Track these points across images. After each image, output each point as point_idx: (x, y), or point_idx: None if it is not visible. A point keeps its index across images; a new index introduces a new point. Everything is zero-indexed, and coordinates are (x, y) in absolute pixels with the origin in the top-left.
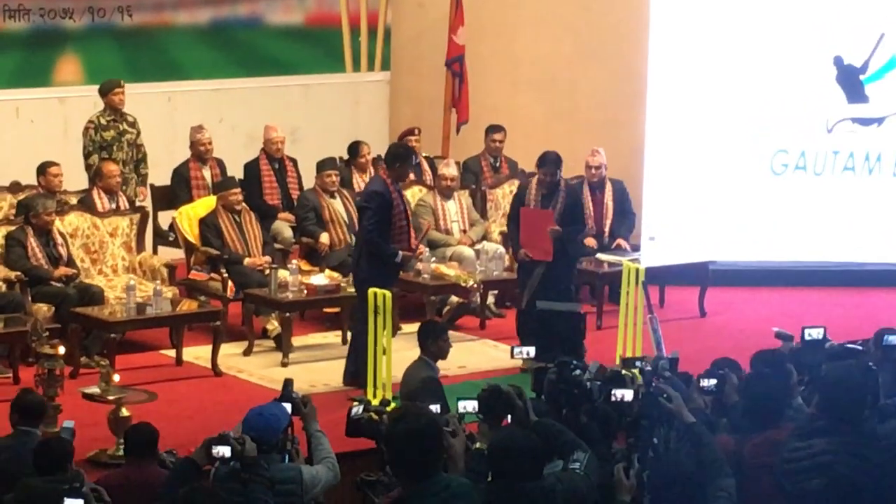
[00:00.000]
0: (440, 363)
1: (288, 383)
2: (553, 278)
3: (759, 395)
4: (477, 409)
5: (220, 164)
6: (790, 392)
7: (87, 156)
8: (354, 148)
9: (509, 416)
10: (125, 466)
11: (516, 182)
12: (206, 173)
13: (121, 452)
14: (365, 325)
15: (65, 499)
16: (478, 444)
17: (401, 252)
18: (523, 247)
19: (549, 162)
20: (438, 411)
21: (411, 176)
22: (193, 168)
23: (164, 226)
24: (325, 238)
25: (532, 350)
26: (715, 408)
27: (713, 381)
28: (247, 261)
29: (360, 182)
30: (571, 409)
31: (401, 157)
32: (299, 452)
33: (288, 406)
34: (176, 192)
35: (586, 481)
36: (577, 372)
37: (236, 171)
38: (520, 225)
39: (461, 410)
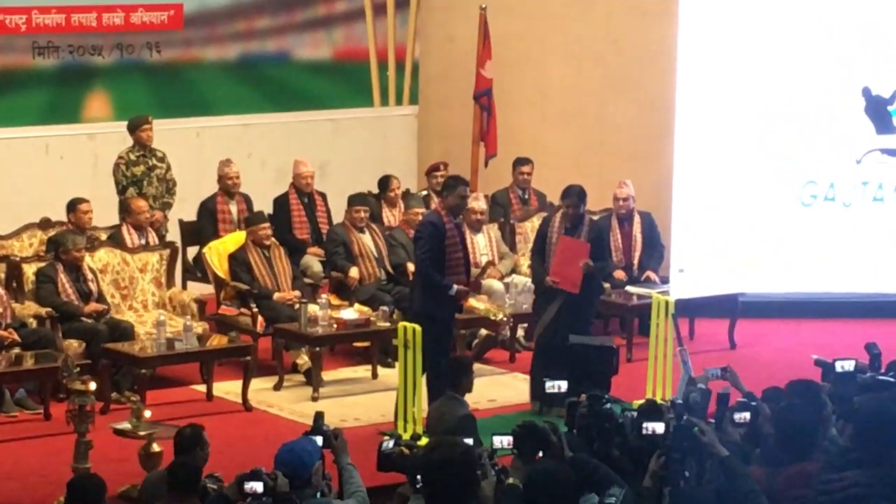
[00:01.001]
0: (468, 397)
1: (319, 416)
2: (572, 312)
3: (792, 425)
4: (512, 444)
5: (247, 199)
6: (824, 423)
7: (121, 191)
8: (384, 182)
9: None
10: (165, 501)
11: (545, 215)
12: (233, 208)
13: None
14: (432, 356)
15: None
16: (511, 480)
17: (455, 286)
18: (552, 275)
19: (573, 194)
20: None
21: (473, 206)
22: (220, 202)
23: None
24: (354, 272)
25: (563, 384)
26: (748, 439)
27: (746, 414)
28: (276, 295)
29: (389, 216)
30: (603, 442)
31: (449, 188)
32: (331, 487)
33: (319, 439)
34: (202, 227)
35: None
36: (608, 406)
37: (265, 206)
38: (554, 252)
39: (496, 445)
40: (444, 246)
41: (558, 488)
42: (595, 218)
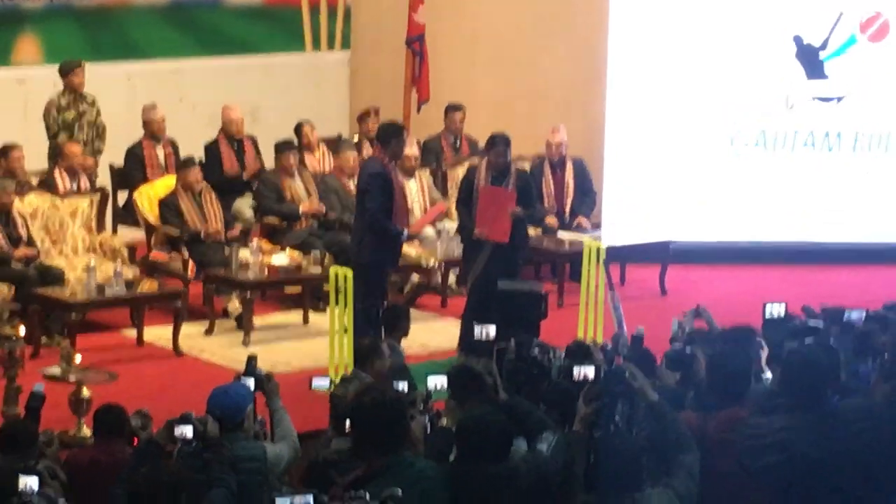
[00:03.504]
0: (403, 342)
1: (252, 359)
2: (501, 260)
3: (723, 371)
4: (446, 385)
5: (173, 144)
6: (757, 369)
7: (53, 136)
8: (297, 130)
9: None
10: (93, 446)
11: (476, 161)
12: (160, 152)
13: (83, 433)
14: (366, 303)
15: (19, 476)
16: (444, 421)
17: (406, 230)
18: (479, 227)
19: (498, 143)
20: (405, 390)
21: (406, 151)
22: (147, 147)
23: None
24: (306, 205)
25: (492, 329)
26: (683, 384)
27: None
28: (204, 232)
29: (311, 162)
30: (531, 388)
31: (395, 134)
32: (265, 432)
33: (251, 382)
34: (130, 172)
35: (552, 463)
36: (536, 351)
37: (198, 150)
38: (478, 203)
39: (430, 387)
40: (392, 194)
41: (490, 433)
42: (523, 165)
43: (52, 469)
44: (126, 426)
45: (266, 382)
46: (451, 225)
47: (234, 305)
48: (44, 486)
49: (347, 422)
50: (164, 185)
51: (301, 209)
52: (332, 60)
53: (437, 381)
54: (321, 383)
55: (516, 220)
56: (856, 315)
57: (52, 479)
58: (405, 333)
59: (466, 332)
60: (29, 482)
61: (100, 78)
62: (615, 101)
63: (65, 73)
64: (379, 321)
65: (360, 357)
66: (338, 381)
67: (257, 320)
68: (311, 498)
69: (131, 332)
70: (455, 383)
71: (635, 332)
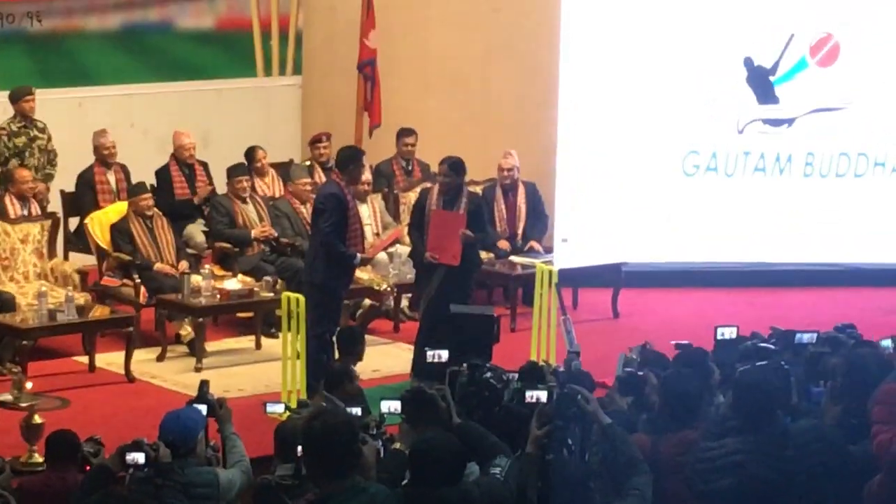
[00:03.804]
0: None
1: (204, 384)
2: (453, 284)
3: (677, 393)
4: (400, 409)
5: (125, 168)
6: (709, 391)
7: (3, 162)
8: (249, 154)
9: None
10: (45, 472)
11: (428, 185)
12: (111, 178)
13: (34, 459)
14: (319, 329)
15: None
16: (397, 445)
17: (359, 255)
18: (430, 250)
19: (449, 167)
20: (359, 414)
21: (366, 178)
22: (98, 173)
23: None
24: (256, 231)
25: (445, 353)
26: (635, 408)
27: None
28: (157, 266)
29: (262, 187)
30: (483, 411)
31: (353, 159)
32: (218, 458)
33: (203, 408)
34: (81, 198)
35: (506, 487)
36: (488, 374)
37: (148, 175)
38: (429, 227)
39: (384, 410)
40: (346, 218)
41: (444, 457)
42: (475, 189)
43: (4, 496)
44: (78, 452)
45: (218, 408)
46: (403, 249)
47: (186, 331)
48: None
49: (298, 448)
50: (115, 210)
51: (253, 234)
52: (284, 85)
53: (391, 406)
54: (275, 409)
55: (467, 244)
56: (807, 337)
57: None
58: (360, 357)
59: (419, 357)
60: None
61: (51, 104)
62: (566, 125)
63: (15, 99)
64: (331, 346)
65: (331, 380)
66: (291, 405)
67: (209, 346)
68: None
69: (83, 359)
70: (409, 407)
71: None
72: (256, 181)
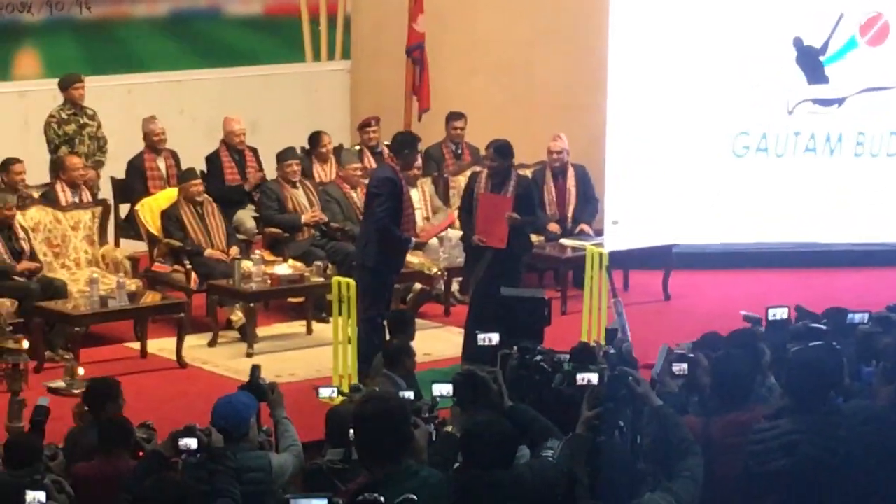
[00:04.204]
0: None
1: (255, 369)
2: (501, 267)
3: (727, 375)
4: (452, 393)
5: (175, 155)
6: (760, 372)
7: (53, 150)
8: (315, 138)
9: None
10: (97, 459)
11: (477, 169)
12: (161, 164)
13: None
14: (370, 313)
15: (26, 491)
16: (449, 428)
17: (413, 239)
18: (479, 233)
19: (495, 150)
20: (411, 398)
21: (418, 163)
22: (148, 159)
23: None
24: (307, 216)
25: (496, 336)
26: (687, 390)
27: (685, 366)
28: (207, 252)
29: (320, 173)
30: (535, 394)
31: (409, 144)
32: (271, 442)
33: (255, 393)
34: (132, 185)
35: (557, 470)
36: (539, 357)
37: (197, 161)
38: (477, 210)
39: (436, 394)
40: (401, 202)
41: (496, 439)
42: (524, 172)
43: (60, 483)
44: (130, 438)
45: (270, 393)
46: (454, 233)
47: (238, 316)
48: (51, 500)
49: (351, 431)
50: (165, 196)
51: (303, 219)
52: (333, 70)
53: (443, 389)
54: (327, 393)
55: (516, 227)
56: (858, 317)
57: (60, 493)
58: (411, 339)
59: (469, 340)
60: (37, 496)
61: (100, 91)
62: (616, 107)
63: (65, 86)
64: (383, 330)
65: (390, 357)
66: (343, 389)
67: (260, 331)
68: (325, 501)
69: (135, 345)
70: (460, 390)
71: (621, 333)
72: (317, 166)
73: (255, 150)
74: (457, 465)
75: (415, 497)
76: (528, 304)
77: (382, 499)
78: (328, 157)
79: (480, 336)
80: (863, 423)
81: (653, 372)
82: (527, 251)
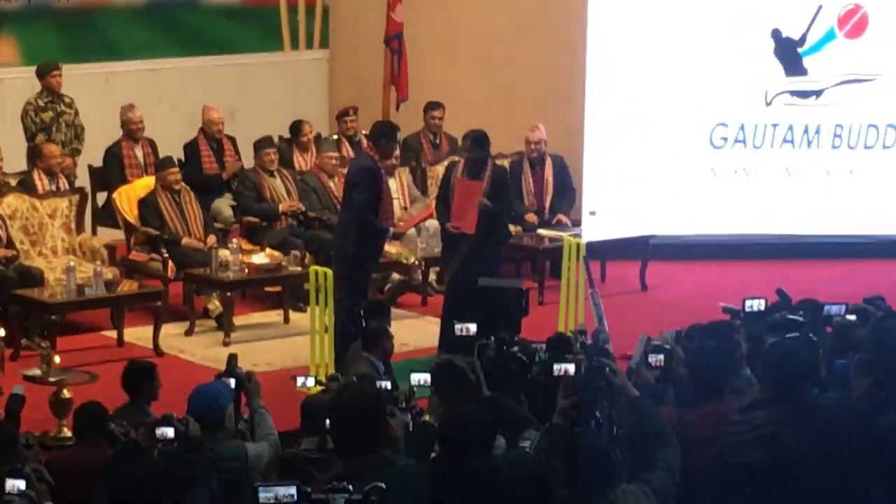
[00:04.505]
0: None
1: (232, 358)
2: (478, 257)
3: (703, 366)
4: (430, 382)
5: (152, 143)
6: (737, 363)
7: (30, 138)
8: (296, 127)
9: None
10: (74, 447)
11: (455, 159)
12: (139, 152)
13: (63, 434)
14: (348, 301)
15: (6, 480)
16: (427, 417)
17: (391, 228)
18: (453, 220)
19: (472, 141)
20: (389, 387)
21: (397, 152)
22: (126, 147)
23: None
24: (284, 205)
25: (473, 326)
26: (663, 382)
27: (661, 357)
28: (185, 240)
29: (300, 161)
30: (512, 384)
31: (387, 134)
32: (251, 430)
33: (232, 381)
34: (109, 172)
35: (534, 460)
36: (516, 348)
37: (175, 150)
38: (453, 196)
39: (414, 383)
40: (380, 191)
41: (474, 429)
42: (502, 163)
43: (40, 471)
44: (107, 425)
45: (247, 382)
46: (431, 223)
47: (215, 305)
48: (31, 488)
49: (326, 421)
50: (143, 185)
51: (280, 208)
52: (311, 59)
53: (420, 378)
54: (305, 382)
55: (491, 214)
56: (835, 309)
57: (40, 482)
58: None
59: (446, 330)
60: (17, 484)
61: (78, 79)
62: (594, 98)
63: (42, 74)
64: (360, 319)
65: (368, 340)
66: (321, 378)
67: (238, 320)
68: (294, 489)
69: (111, 333)
70: (439, 379)
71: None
72: (297, 155)
73: (233, 139)
74: (434, 454)
75: (383, 485)
76: (506, 294)
77: (351, 487)
78: (309, 147)
79: (458, 326)
80: (840, 415)
81: (631, 362)
82: (503, 241)
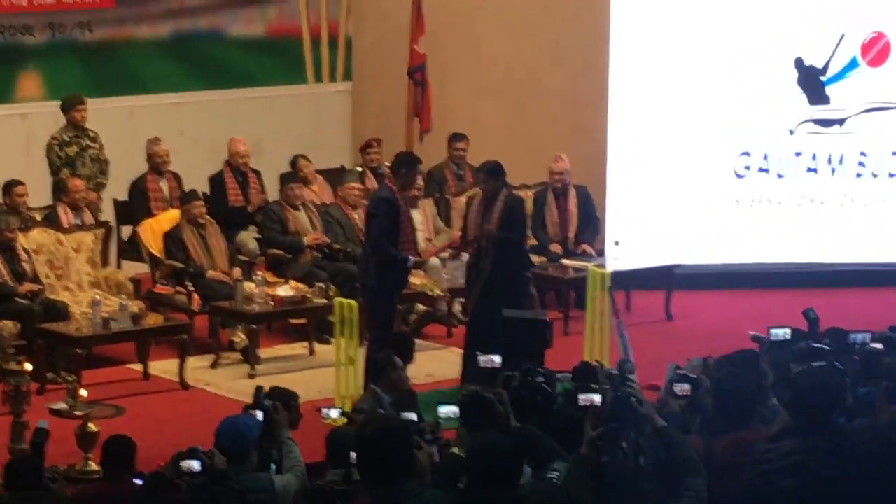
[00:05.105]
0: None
1: (260, 390)
2: (496, 287)
3: (730, 395)
4: (458, 414)
5: (177, 177)
6: (763, 392)
7: (55, 172)
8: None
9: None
10: (102, 479)
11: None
12: (164, 186)
13: (89, 467)
14: (378, 332)
15: None
16: (455, 449)
17: (411, 257)
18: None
19: (486, 173)
20: (415, 419)
21: (419, 183)
22: (151, 181)
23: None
24: (310, 238)
25: (497, 358)
26: (689, 410)
27: (687, 386)
28: (210, 273)
29: (309, 195)
30: (537, 415)
31: (407, 164)
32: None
33: (259, 414)
34: (135, 206)
35: (562, 492)
36: (541, 379)
37: (198, 183)
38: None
39: (442, 415)
40: (398, 222)
41: (501, 459)
42: (526, 193)
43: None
44: (134, 459)
45: (275, 414)
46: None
47: (240, 338)
48: None
49: (351, 453)
50: (167, 218)
51: (305, 241)
52: (334, 92)
53: (449, 410)
54: (331, 414)
55: (502, 243)
56: (860, 337)
57: None
58: (410, 361)
59: (468, 361)
60: None
61: (102, 113)
62: (617, 128)
63: (67, 108)
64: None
65: (375, 371)
66: (347, 410)
67: (263, 352)
68: None
69: (137, 367)
70: (467, 411)
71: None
72: (304, 190)
73: (257, 172)
74: (461, 485)
75: None
76: (530, 326)
77: None
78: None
79: (482, 358)
80: (868, 442)
81: (661, 391)
82: (524, 270)
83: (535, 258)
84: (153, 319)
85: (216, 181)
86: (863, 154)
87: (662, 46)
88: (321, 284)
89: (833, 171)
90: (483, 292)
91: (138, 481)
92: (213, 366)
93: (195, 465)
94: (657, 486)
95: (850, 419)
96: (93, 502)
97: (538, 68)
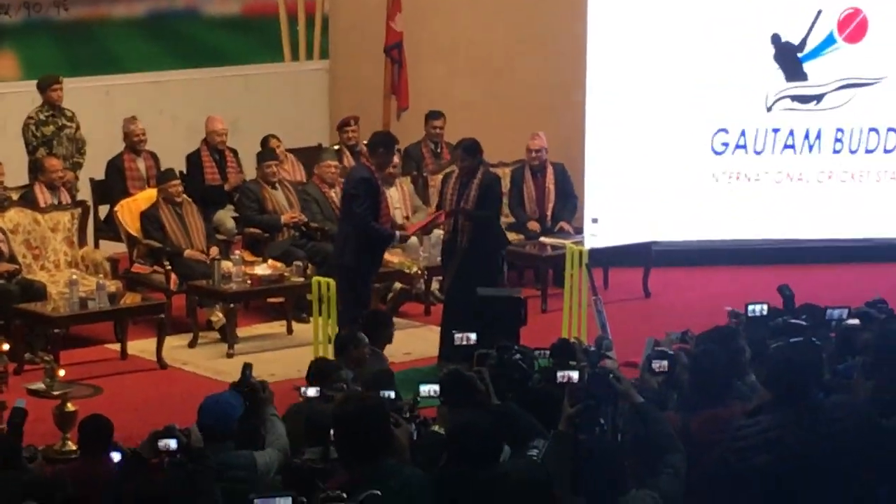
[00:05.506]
0: (387, 349)
1: (247, 367)
2: (472, 265)
3: (706, 371)
4: (439, 392)
5: (154, 156)
6: (740, 368)
7: (31, 151)
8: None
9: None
10: (78, 460)
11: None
12: (141, 165)
13: (67, 447)
14: (350, 314)
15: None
16: (435, 427)
17: (398, 232)
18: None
19: (464, 150)
20: (392, 396)
21: (395, 161)
22: (128, 160)
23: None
24: (286, 217)
25: (473, 336)
26: (666, 387)
27: (665, 363)
28: (187, 252)
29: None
30: (514, 393)
31: (383, 144)
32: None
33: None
34: (112, 185)
35: (542, 469)
36: (517, 356)
37: (177, 162)
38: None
39: (423, 394)
40: (378, 201)
41: (481, 437)
42: (503, 171)
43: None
44: (111, 438)
45: (262, 391)
46: (436, 233)
47: (218, 317)
48: None
49: (331, 431)
50: (144, 197)
51: (283, 219)
52: (311, 70)
53: (430, 388)
54: (308, 392)
55: (479, 222)
56: (837, 313)
57: None
58: (389, 340)
59: (445, 339)
60: None
61: (78, 92)
62: (595, 105)
63: (43, 87)
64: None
65: (339, 347)
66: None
67: (241, 331)
68: (289, 501)
69: (115, 346)
70: (447, 390)
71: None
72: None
73: (235, 151)
74: (441, 463)
75: (379, 493)
76: (504, 304)
77: (345, 495)
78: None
79: (457, 335)
80: (844, 418)
81: (640, 366)
82: (500, 248)
83: (512, 236)
84: (131, 299)
85: (193, 160)
86: (840, 130)
87: (640, 24)
88: (299, 263)
89: (810, 147)
90: (459, 270)
91: (116, 455)
92: (191, 345)
93: (172, 443)
94: (636, 462)
95: (828, 395)
96: (70, 482)
97: (516, 46)
